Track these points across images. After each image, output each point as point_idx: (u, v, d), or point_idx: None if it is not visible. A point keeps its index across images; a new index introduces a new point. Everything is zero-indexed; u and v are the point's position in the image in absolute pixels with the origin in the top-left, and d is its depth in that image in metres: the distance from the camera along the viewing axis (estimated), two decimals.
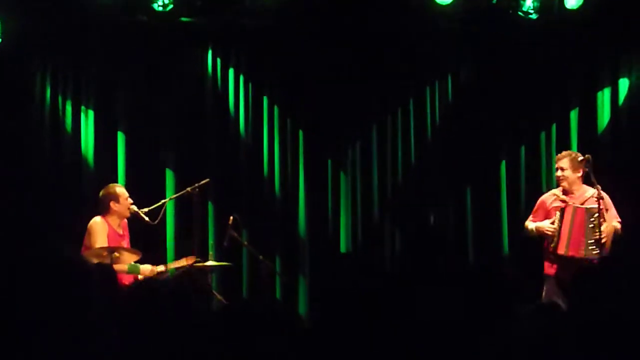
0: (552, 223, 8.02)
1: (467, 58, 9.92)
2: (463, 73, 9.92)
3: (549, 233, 8.01)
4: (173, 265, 8.58)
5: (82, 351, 3.31)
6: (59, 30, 9.37)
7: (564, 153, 8.34)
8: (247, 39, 9.77)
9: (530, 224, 8.29)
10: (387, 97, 9.87)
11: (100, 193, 8.44)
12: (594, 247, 7.83)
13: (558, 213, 8.00)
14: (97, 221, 8.28)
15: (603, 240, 7.80)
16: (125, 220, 8.51)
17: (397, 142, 9.90)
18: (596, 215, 7.87)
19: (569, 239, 7.91)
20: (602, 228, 7.85)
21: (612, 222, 8.04)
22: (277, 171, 9.79)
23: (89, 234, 8.23)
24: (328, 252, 9.66)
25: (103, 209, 8.37)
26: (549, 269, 8.09)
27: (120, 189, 8.48)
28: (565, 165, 8.13)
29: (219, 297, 8.46)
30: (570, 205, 7.99)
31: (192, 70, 9.75)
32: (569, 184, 8.13)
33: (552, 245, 7.99)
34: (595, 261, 7.68)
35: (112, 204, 8.34)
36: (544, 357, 3.83)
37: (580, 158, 8.09)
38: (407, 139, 9.90)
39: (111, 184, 8.61)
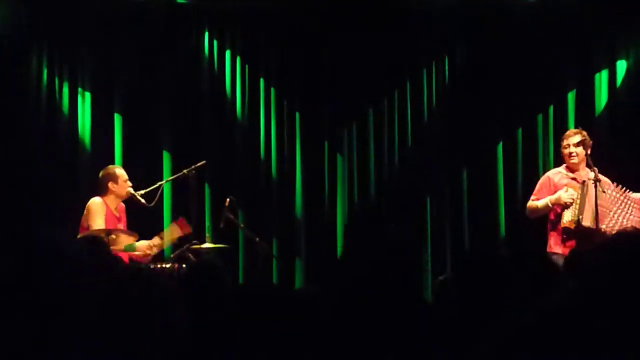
0: (573, 195, 7.94)
1: (463, 40, 9.87)
2: (459, 55, 9.88)
3: (567, 200, 7.94)
4: (168, 236, 8.59)
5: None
6: (55, 12, 9.38)
7: (575, 130, 8.29)
8: (243, 21, 9.78)
9: (540, 201, 8.17)
10: (383, 79, 9.83)
11: (100, 174, 8.46)
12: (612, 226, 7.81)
13: (582, 185, 7.93)
14: (95, 201, 8.29)
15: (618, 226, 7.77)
16: (122, 203, 8.53)
17: (393, 124, 9.87)
18: (631, 205, 7.87)
19: (595, 211, 7.81)
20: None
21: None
22: (273, 153, 9.79)
23: (87, 214, 8.24)
24: (325, 234, 9.69)
25: (102, 190, 8.38)
26: (557, 246, 8.03)
27: (119, 170, 8.50)
28: (578, 142, 8.10)
29: None
30: (604, 181, 7.92)
31: (189, 52, 9.75)
32: (579, 161, 8.10)
33: (572, 219, 7.88)
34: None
35: (110, 184, 8.36)
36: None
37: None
38: (404, 121, 9.88)
39: (110, 166, 8.65)
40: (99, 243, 5.71)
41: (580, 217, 7.82)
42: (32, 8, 9.28)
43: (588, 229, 7.80)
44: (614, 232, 7.57)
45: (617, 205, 7.90)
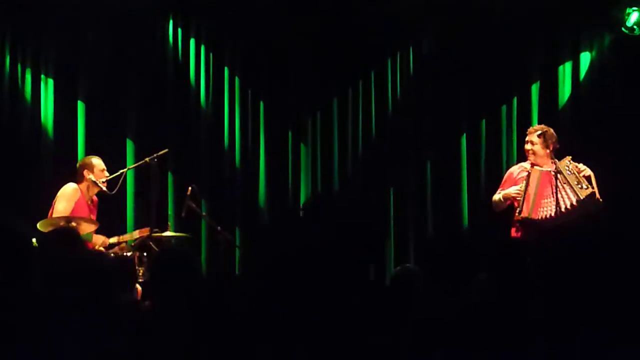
0: (520, 188, 8.03)
1: (428, 30, 9.87)
2: (424, 45, 9.88)
3: (515, 195, 8.01)
4: (127, 237, 8.57)
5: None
6: None
7: (536, 127, 8.30)
8: (208, 9, 9.74)
9: (497, 195, 8.29)
10: (348, 69, 9.84)
11: (77, 163, 8.54)
12: (551, 207, 7.86)
13: (525, 179, 8.02)
14: (69, 186, 8.34)
15: (564, 204, 7.82)
16: (96, 197, 8.50)
17: (357, 114, 9.88)
18: (560, 175, 7.90)
19: (534, 202, 7.92)
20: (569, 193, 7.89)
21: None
22: (237, 142, 9.78)
23: (58, 198, 8.29)
24: (288, 223, 9.68)
25: (78, 178, 8.41)
26: (515, 235, 8.07)
27: (96, 160, 8.52)
28: (536, 140, 8.12)
29: None
30: (536, 169, 7.99)
31: (153, 40, 9.72)
32: (537, 158, 8.12)
33: (517, 210, 7.99)
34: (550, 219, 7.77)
35: (85, 172, 8.38)
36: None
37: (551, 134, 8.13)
38: (368, 110, 9.88)
39: (89, 156, 8.63)
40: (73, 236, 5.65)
41: (521, 208, 7.93)
42: None
43: (527, 219, 7.90)
44: (546, 217, 7.80)
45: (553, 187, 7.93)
